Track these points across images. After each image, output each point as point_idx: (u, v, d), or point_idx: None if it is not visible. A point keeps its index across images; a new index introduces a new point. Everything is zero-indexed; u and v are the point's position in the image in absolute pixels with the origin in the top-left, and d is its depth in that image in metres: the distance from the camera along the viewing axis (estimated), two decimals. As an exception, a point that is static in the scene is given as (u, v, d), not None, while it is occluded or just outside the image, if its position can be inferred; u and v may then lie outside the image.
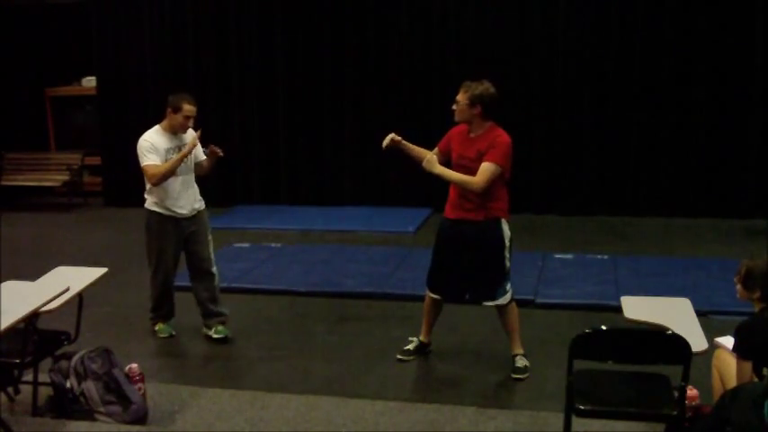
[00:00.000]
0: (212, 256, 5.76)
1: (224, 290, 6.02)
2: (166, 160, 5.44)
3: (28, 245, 8.52)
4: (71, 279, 4.45)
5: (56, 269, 4.86)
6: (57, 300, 4.10)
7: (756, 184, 8.76)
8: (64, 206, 10.54)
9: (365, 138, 9.78)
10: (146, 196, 5.65)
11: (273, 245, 8.14)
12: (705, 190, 8.93)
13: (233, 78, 10.05)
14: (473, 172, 4.78)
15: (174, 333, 5.80)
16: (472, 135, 4.87)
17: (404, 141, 5.00)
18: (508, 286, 5.00)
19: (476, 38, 9.30)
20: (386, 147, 4.98)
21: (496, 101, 4.83)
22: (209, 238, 5.76)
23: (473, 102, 4.78)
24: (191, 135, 5.56)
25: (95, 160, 10.81)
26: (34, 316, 4.02)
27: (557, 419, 4.00)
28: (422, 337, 5.32)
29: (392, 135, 4.98)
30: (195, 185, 5.68)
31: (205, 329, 5.77)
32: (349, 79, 9.77)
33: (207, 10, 10.04)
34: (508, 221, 4.98)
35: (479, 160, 4.78)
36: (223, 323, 5.74)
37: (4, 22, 10.95)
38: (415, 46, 9.52)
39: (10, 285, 4.24)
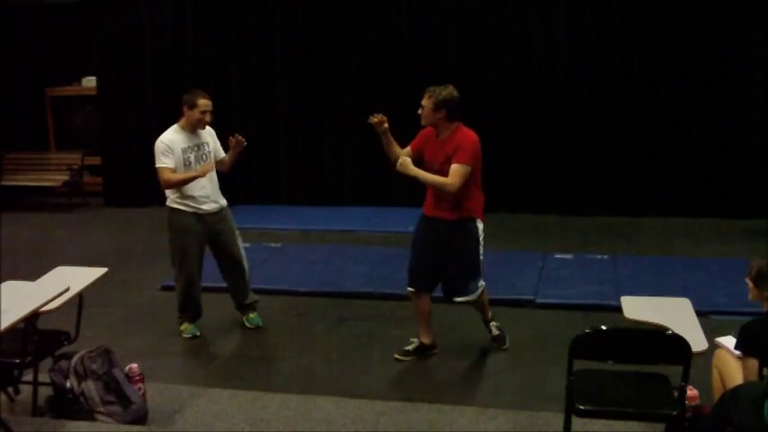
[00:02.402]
0: (242, 249, 5.83)
1: (225, 290, 6.02)
2: (183, 160, 5.47)
3: (28, 245, 8.51)
4: (71, 279, 4.45)
5: (56, 269, 4.87)
6: (57, 300, 4.10)
7: (756, 184, 8.75)
8: (64, 206, 10.54)
9: (365, 138, 9.75)
10: (167, 194, 5.60)
11: (273, 245, 8.14)
12: (705, 190, 8.93)
13: (233, 78, 10.05)
14: (444, 174, 4.90)
15: (198, 334, 5.74)
16: (440, 138, 4.99)
17: (388, 132, 5.07)
18: (480, 282, 5.15)
19: (476, 38, 9.29)
20: (373, 121, 5.01)
21: (459, 103, 4.96)
22: (237, 232, 5.81)
23: (438, 106, 4.90)
24: (209, 133, 5.67)
25: (95, 160, 10.81)
26: (34, 316, 4.02)
27: (557, 419, 4.00)
28: (423, 339, 5.33)
29: (383, 117, 5.03)
30: (217, 182, 5.69)
31: (240, 314, 5.97)
32: (349, 79, 9.77)
33: (207, 10, 10.04)
34: (483, 221, 5.10)
35: (448, 162, 4.90)
36: (254, 309, 5.92)
37: (4, 22, 10.95)
38: (416, 46, 9.51)
39: (10, 285, 4.23)
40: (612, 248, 7.73)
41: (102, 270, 4.76)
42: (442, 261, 5.09)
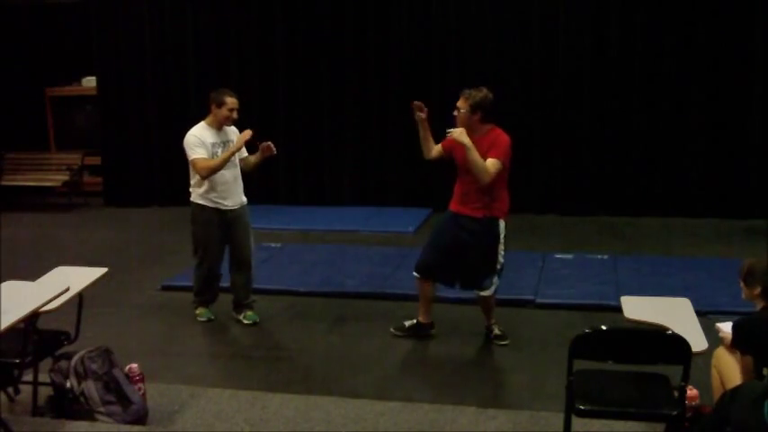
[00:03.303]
0: (252, 247, 5.98)
1: (224, 290, 6.04)
2: (213, 154, 5.65)
3: (28, 245, 8.52)
4: (71, 279, 4.44)
5: (56, 269, 4.86)
6: (57, 300, 4.10)
7: (756, 184, 8.75)
8: (64, 206, 10.54)
9: (365, 138, 9.78)
10: (192, 189, 5.81)
11: (273, 245, 8.13)
12: (705, 190, 8.93)
13: (233, 78, 10.04)
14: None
15: (213, 318, 6.01)
16: (474, 137, 5.09)
17: (426, 122, 5.26)
18: (496, 279, 5.32)
19: (476, 38, 9.30)
20: (415, 104, 5.21)
21: (494, 104, 5.12)
22: (251, 230, 5.97)
23: (474, 109, 5.07)
24: (234, 132, 5.82)
25: (95, 160, 10.81)
26: (34, 316, 4.02)
27: (557, 419, 4.00)
28: (420, 317, 5.44)
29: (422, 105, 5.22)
30: (241, 180, 5.91)
31: (234, 314, 6.02)
32: (349, 79, 9.77)
33: (207, 10, 10.04)
34: (506, 222, 5.26)
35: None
36: (252, 308, 6.00)
37: (4, 22, 10.94)
38: (416, 45, 9.51)
39: (10, 285, 4.23)
40: (612, 248, 7.73)
41: (102, 270, 4.76)
42: (460, 255, 5.22)
